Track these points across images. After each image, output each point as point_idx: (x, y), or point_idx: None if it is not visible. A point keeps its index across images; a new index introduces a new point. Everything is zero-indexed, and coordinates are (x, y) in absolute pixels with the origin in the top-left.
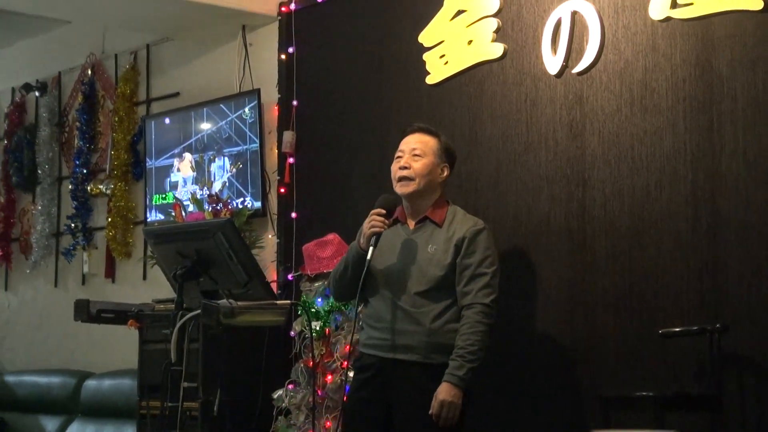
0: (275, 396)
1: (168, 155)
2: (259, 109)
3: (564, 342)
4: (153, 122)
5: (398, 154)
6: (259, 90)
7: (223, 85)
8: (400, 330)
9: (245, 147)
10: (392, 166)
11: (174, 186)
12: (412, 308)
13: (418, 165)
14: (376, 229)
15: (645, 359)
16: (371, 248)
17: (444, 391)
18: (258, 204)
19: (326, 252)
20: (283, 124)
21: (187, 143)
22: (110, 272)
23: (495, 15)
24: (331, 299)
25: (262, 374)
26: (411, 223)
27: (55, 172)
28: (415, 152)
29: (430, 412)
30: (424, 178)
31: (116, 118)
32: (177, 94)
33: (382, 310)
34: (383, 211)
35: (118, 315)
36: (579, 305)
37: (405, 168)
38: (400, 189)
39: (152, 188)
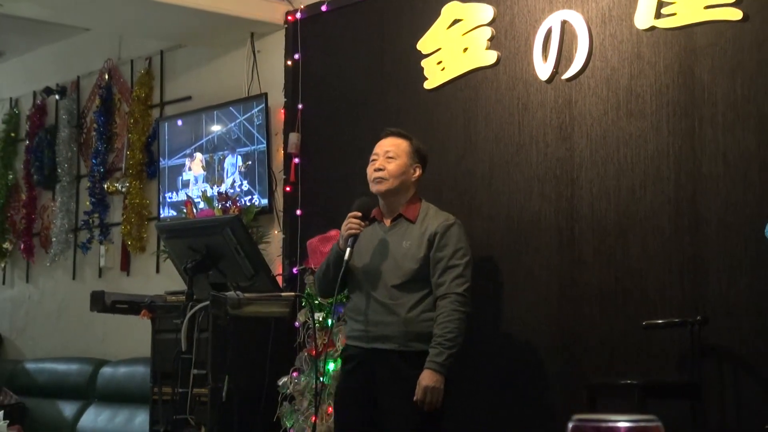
0: (280, 383)
1: (180, 155)
2: (266, 112)
3: (553, 333)
4: (166, 124)
5: (373, 157)
6: (266, 94)
7: (233, 90)
8: (378, 321)
9: (253, 148)
10: (368, 168)
11: (186, 184)
12: (389, 300)
13: (391, 166)
14: (353, 231)
15: (629, 350)
16: (348, 249)
17: (427, 378)
18: (265, 201)
19: (329, 247)
20: (288, 126)
21: (198, 144)
22: (125, 265)
23: (489, 24)
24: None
25: (267, 362)
26: (387, 221)
27: (74, 171)
28: (389, 154)
29: (414, 398)
30: (397, 178)
31: (131, 120)
32: (189, 98)
33: (362, 304)
34: (359, 214)
35: (132, 306)
36: (567, 298)
37: (380, 170)
38: (375, 189)
39: (165, 186)
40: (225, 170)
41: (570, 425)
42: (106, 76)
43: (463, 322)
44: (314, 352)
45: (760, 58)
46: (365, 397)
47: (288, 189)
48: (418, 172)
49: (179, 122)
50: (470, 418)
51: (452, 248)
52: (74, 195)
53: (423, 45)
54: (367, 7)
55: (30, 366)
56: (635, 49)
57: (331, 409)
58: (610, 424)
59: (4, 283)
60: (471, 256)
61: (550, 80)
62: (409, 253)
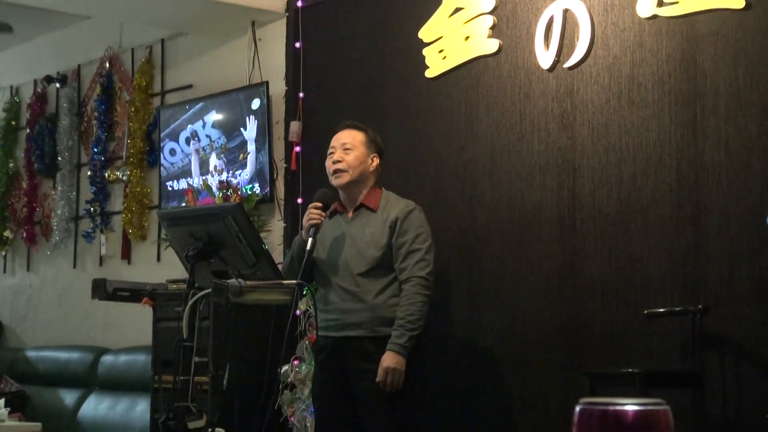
0: (281, 371)
1: (181, 144)
2: (268, 100)
3: (554, 321)
4: (167, 112)
5: (330, 150)
6: (267, 82)
7: (234, 78)
8: (347, 309)
9: (254, 135)
10: (326, 162)
11: (187, 173)
12: (355, 288)
13: (349, 157)
14: (314, 221)
15: (631, 338)
16: (310, 239)
17: (388, 359)
18: (266, 190)
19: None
20: (290, 115)
21: (198, 132)
22: (126, 254)
23: (491, 12)
24: None
25: (269, 350)
26: (349, 212)
27: (75, 160)
28: (346, 146)
29: (376, 379)
30: (356, 168)
31: (132, 109)
32: (190, 86)
33: (330, 294)
34: (320, 204)
35: (133, 293)
36: (569, 287)
37: (338, 161)
38: (335, 181)
39: (166, 175)
40: (227, 158)
41: (577, 408)
42: (107, 65)
43: (425, 304)
44: (314, 339)
45: (762, 46)
46: (340, 385)
47: (289, 177)
48: (376, 161)
49: (180, 111)
50: (472, 404)
51: (414, 233)
52: (75, 183)
53: (424, 33)
54: None
55: (31, 354)
56: (637, 37)
57: None
58: (618, 408)
59: (5, 271)
60: (432, 241)
61: (551, 69)
62: (373, 241)
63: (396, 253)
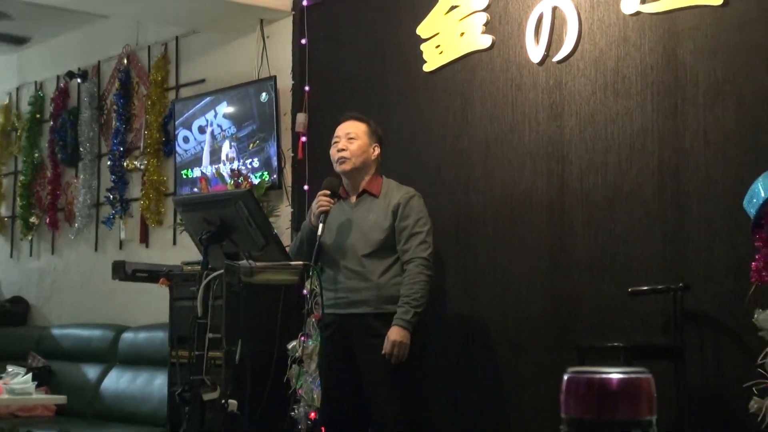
0: (290, 347)
1: (195, 134)
2: (275, 93)
3: (544, 299)
4: (181, 105)
5: (335, 139)
6: (275, 77)
7: (244, 73)
8: (353, 288)
9: (263, 127)
10: (331, 150)
11: (199, 160)
12: (361, 268)
13: (353, 146)
14: (324, 208)
15: (616, 314)
16: (321, 225)
17: (394, 333)
18: (274, 177)
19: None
20: (296, 107)
21: (211, 123)
22: (144, 238)
23: (484, 10)
24: None
25: (278, 327)
26: (353, 198)
27: (95, 150)
28: (350, 136)
29: (382, 351)
30: (359, 157)
31: (149, 102)
32: (203, 81)
33: (337, 275)
34: (329, 192)
35: (151, 274)
36: (558, 267)
37: (342, 150)
38: (339, 168)
39: (181, 162)
40: (237, 148)
41: (566, 377)
42: (125, 61)
43: (427, 283)
44: (319, 317)
45: (739, 40)
46: (346, 359)
47: (296, 166)
48: (377, 150)
49: (194, 103)
50: (467, 376)
51: (415, 217)
52: (96, 172)
53: (422, 30)
54: None
55: (56, 332)
56: (622, 32)
57: None
58: (604, 376)
59: (31, 254)
60: (431, 225)
61: (541, 62)
62: (376, 225)
63: (399, 236)
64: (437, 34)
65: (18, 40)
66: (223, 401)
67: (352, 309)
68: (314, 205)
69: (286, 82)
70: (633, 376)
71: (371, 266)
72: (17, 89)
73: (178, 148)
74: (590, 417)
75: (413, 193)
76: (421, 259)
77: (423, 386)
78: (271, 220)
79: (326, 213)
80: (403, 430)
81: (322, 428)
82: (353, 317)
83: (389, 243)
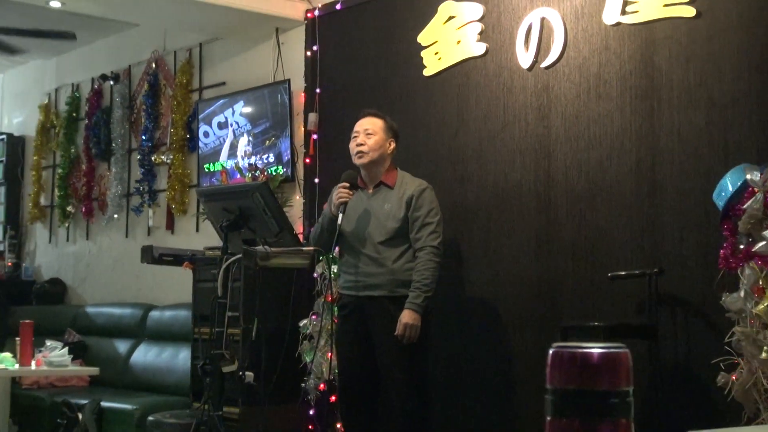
0: (301, 324)
1: (216, 132)
2: (289, 95)
3: (532, 281)
4: (204, 105)
5: (354, 134)
6: (289, 80)
7: (260, 76)
8: (369, 273)
9: (278, 125)
10: (350, 144)
11: (218, 154)
12: (376, 254)
13: (371, 141)
14: (343, 199)
15: (596, 297)
16: (340, 214)
17: (406, 316)
18: (288, 171)
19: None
20: (308, 108)
21: (231, 122)
22: (170, 225)
23: (479, 20)
24: None
25: (290, 306)
26: (370, 189)
27: (126, 145)
28: (368, 131)
29: (395, 333)
30: (376, 151)
31: (175, 102)
32: (223, 83)
33: (354, 259)
34: (347, 184)
35: (176, 258)
36: (544, 253)
37: (361, 144)
38: (358, 161)
39: (204, 157)
40: (255, 144)
41: (550, 351)
42: (153, 65)
43: (437, 270)
44: (330, 298)
45: (709, 49)
46: (360, 336)
47: (307, 161)
48: (392, 145)
49: (215, 104)
50: (461, 351)
51: (426, 208)
52: (126, 166)
53: (422, 38)
54: (375, 5)
55: (90, 310)
56: (603, 41)
57: None
58: (585, 350)
59: (67, 240)
60: (441, 215)
61: (530, 68)
62: (391, 214)
63: (411, 225)
64: (436, 42)
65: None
66: (240, 373)
67: (369, 291)
68: (334, 195)
69: (298, 85)
70: (612, 350)
71: (386, 253)
72: (56, 90)
73: (200, 144)
74: (573, 387)
75: (426, 185)
76: (431, 247)
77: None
78: (285, 209)
79: (345, 204)
80: (411, 400)
81: (332, 397)
82: (369, 299)
83: (403, 231)
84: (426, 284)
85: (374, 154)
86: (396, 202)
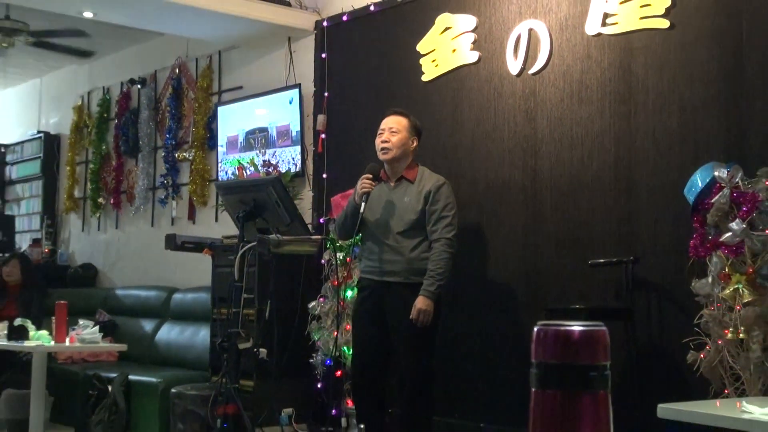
0: (310, 306)
1: (234, 131)
2: (300, 98)
3: (520, 269)
4: (223, 107)
5: (380, 131)
6: (300, 84)
7: (274, 81)
8: (387, 260)
9: (290, 125)
10: (376, 140)
11: (234, 151)
12: (395, 243)
13: (395, 139)
14: (366, 189)
15: (578, 282)
16: (363, 204)
17: (420, 302)
18: (298, 167)
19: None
20: (317, 109)
21: (247, 122)
22: (191, 215)
23: (472, 31)
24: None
25: (300, 289)
26: (392, 182)
27: (152, 143)
28: (392, 129)
29: (410, 317)
30: (399, 148)
31: (196, 104)
32: (240, 87)
33: (374, 247)
34: (370, 176)
35: (197, 245)
36: (531, 243)
37: (386, 141)
38: (382, 156)
39: (223, 155)
40: (268, 142)
41: (536, 329)
42: (177, 70)
43: (450, 260)
44: (336, 282)
45: (682, 57)
46: (376, 316)
47: (316, 158)
48: (415, 142)
49: (233, 106)
50: (458, 331)
51: (443, 203)
52: (152, 162)
53: (421, 47)
54: (378, 17)
55: (119, 292)
56: (585, 50)
57: (348, 326)
58: (567, 328)
59: (99, 228)
60: (457, 209)
61: (519, 74)
62: (410, 207)
63: (428, 218)
64: (433, 50)
65: (89, 53)
66: (255, 350)
67: (386, 277)
68: (358, 186)
69: (309, 89)
70: (591, 328)
71: (404, 242)
72: (88, 93)
73: (219, 142)
74: (555, 361)
75: (443, 181)
76: (446, 239)
77: None
78: (296, 202)
79: (368, 194)
80: (423, 379)
81: (337, 372)
82: (386, 284)
83: (420, 223)
84: (440, 273)
85: (397, 151)
86: (415, 196)
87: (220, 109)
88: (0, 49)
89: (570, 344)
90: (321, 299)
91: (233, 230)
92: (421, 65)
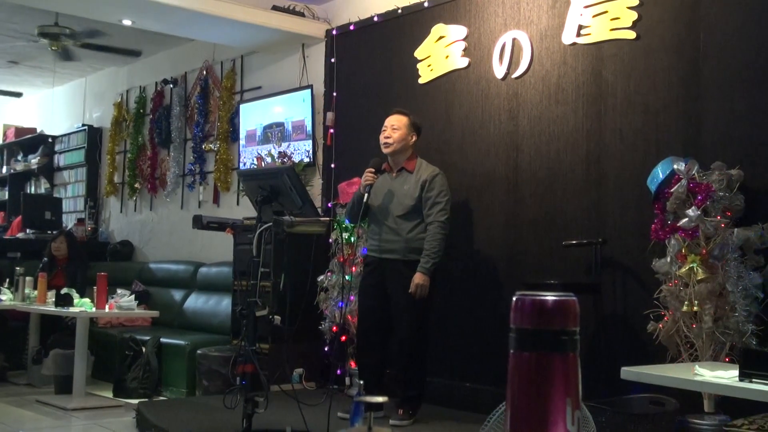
0: (319, 279)
1: (253, 126)
2: (312, 97)
3: (502, 248)
4: (244, 105)
5: (384, 128)
6: (312, 85)
7: (289, 82)
8: (388, 240)
9: (303, 121)
10: (380, 136)
11: (253, 142)
12: (394, 225)
13: (396, 135)
14: (369, 182)
15: (553, 260)
16: (366, 194)
17: (418, 277)
18: (310, 158)
19: (353, 189)
20: (327, 107)
21: (265, 118)
22: (216, 199)
23: (463, 39)
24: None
25: (310, 265)
26: (394, 172)
27: (183, 136)
28: (394, 126)
29: (409, 291)
30: (399, 143)
31: (221, 102)
32: (260, 87)
33: (377, 228)
34: (373, 169)
35: (221, 225)
36: (512, 226)
37: (387, 137)
38: (385, 150)
39: (244, 146)
40: (284, 136)
41: (514, 298)
42: (204, 72)
43: (443, 241)
44: (342, 259)
45: (647, 64)
46: (379, 289)
47: (325, 150)
48: (414, 138)
49: (253, 104)
50: (448, 302)
51: (437, 190)
52: (182, 152)
53: (418, 53)
54: (381, 26)
55: (152, 266)
56: (562, 57)
57: (353, 298)
58: (542, 297)
59: (135, 210)
60: (450, 196)
61: (503, 78)
62: (408, 194)
63: (424, 203)
64: (429, 56)
65: (130, 53)
66: (270, 317)
67: (387, 255)
68: (363, 179)
69: (319, 89)
70: (562, 298)
71: (403, 225)
72: (127, 92)
73: (240, 135)
74: (531, 327)
75: (438, 171)
76: (439, 222)
77: None
78: (307, 188)
79: (371, 185)
80: (418, 343)
81: (342, 337)
82: (387, 261)
83: (417, 208)
84: (434, 252)
85: (397, 146)
86: (413, 184)
87: (242, 107)
88: (51, 51)
89: (544, 311)
90: (328, 273)
91: (252, 212)
92: (418, 69)
